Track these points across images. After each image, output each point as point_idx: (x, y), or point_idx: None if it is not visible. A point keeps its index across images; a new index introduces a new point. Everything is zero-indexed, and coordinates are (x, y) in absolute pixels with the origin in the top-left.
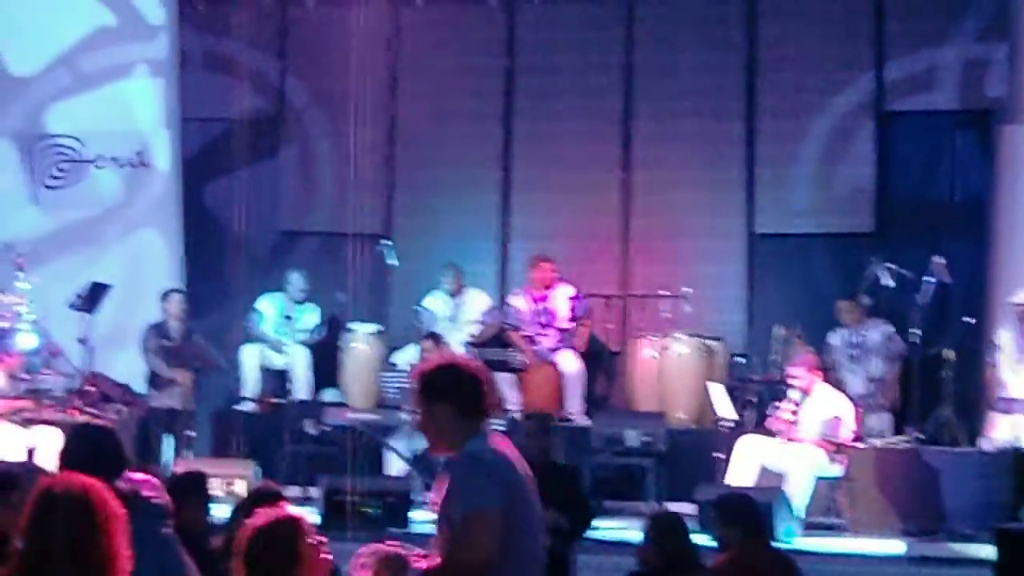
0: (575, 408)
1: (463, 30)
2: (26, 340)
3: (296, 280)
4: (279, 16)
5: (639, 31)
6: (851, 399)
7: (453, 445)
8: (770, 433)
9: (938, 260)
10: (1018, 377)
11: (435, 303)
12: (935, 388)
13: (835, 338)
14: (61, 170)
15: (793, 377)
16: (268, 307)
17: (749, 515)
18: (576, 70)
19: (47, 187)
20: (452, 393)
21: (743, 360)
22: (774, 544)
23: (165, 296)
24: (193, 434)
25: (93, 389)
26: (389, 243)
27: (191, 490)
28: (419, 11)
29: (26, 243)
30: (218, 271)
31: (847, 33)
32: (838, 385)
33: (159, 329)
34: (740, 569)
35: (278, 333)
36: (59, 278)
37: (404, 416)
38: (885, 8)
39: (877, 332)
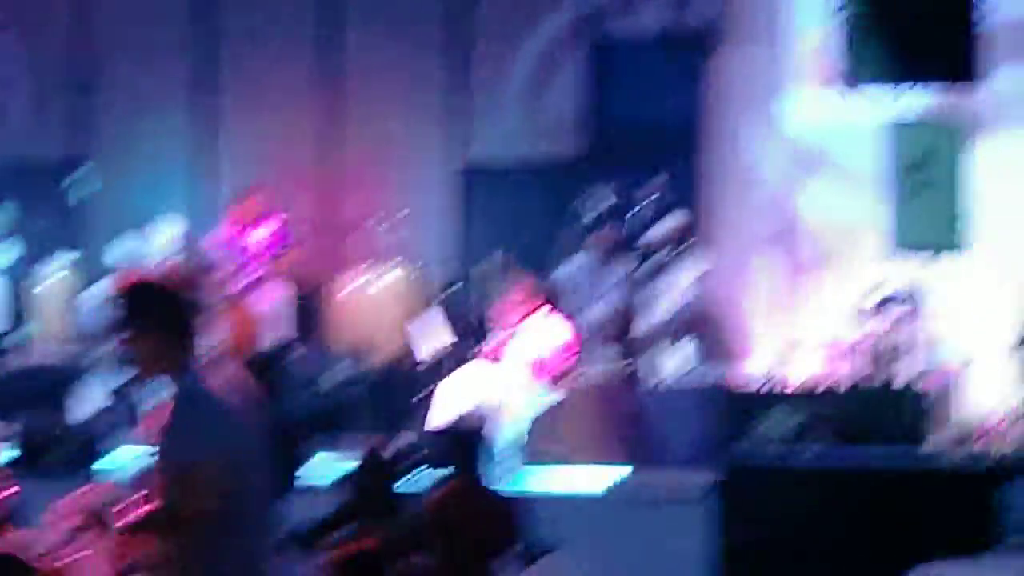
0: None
1: None
2: None
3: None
4: None
5: None
6: (580, 328)
7: (164, 373)
8: (481, 358)
9: (649, 180)
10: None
11: (123, 246)
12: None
13: (573, 266)
14: None
15: (509, 304)
16: None
17: (459, 453)
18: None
19: None
20: (157, 314)
21: (457, 289)
22: (486, 483)
23: None
24: None
25: None
26: (85, 170)
27: None
28: None
29: None
30: None
31: None
32: (568, 313)
33: None
34: (447, 510)
35: None
36: None
37: (102, 350)
38: None
39: (617, 266)
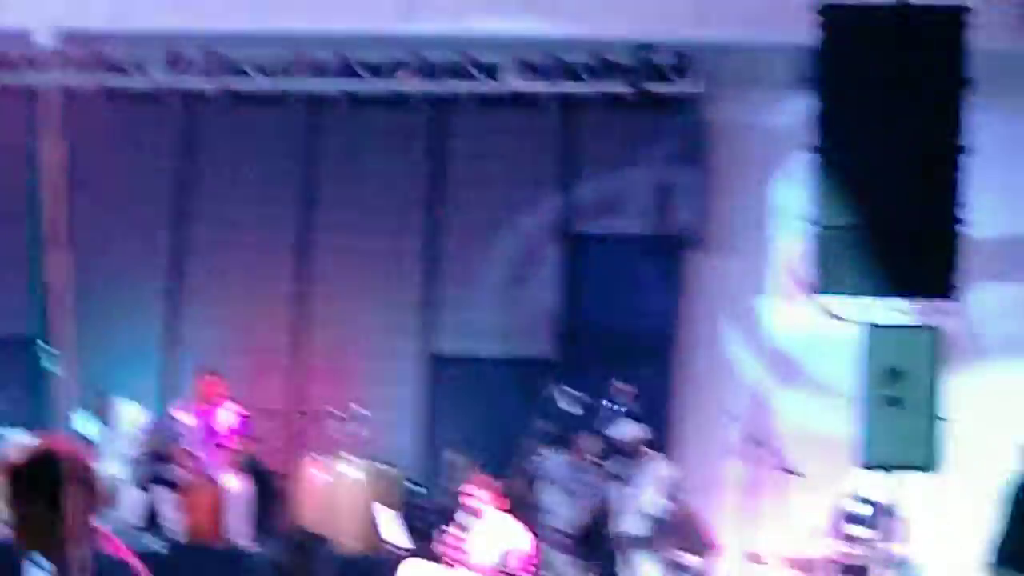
0: (239, 531)
1: (139, 129)
2: None
3: None
4: None
5: (322, 141)
6: (543, 529)
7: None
8: (437, 559)
9: (617, 384)
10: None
11: (84, 424)
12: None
13: (555, 463)
14: None
15: (468, 496)
16: None
17: None
18: (256, 177)
19: None
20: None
21: (417, 487)
22: None
23: None
24: None
25: None
26: (47, 347)
27: None
28: (92, 108)
29: None
30: None
31: (536, 152)
32: (529, 516)
33: None
34: None
35: None
36: None
37: None
38: (576, 128)
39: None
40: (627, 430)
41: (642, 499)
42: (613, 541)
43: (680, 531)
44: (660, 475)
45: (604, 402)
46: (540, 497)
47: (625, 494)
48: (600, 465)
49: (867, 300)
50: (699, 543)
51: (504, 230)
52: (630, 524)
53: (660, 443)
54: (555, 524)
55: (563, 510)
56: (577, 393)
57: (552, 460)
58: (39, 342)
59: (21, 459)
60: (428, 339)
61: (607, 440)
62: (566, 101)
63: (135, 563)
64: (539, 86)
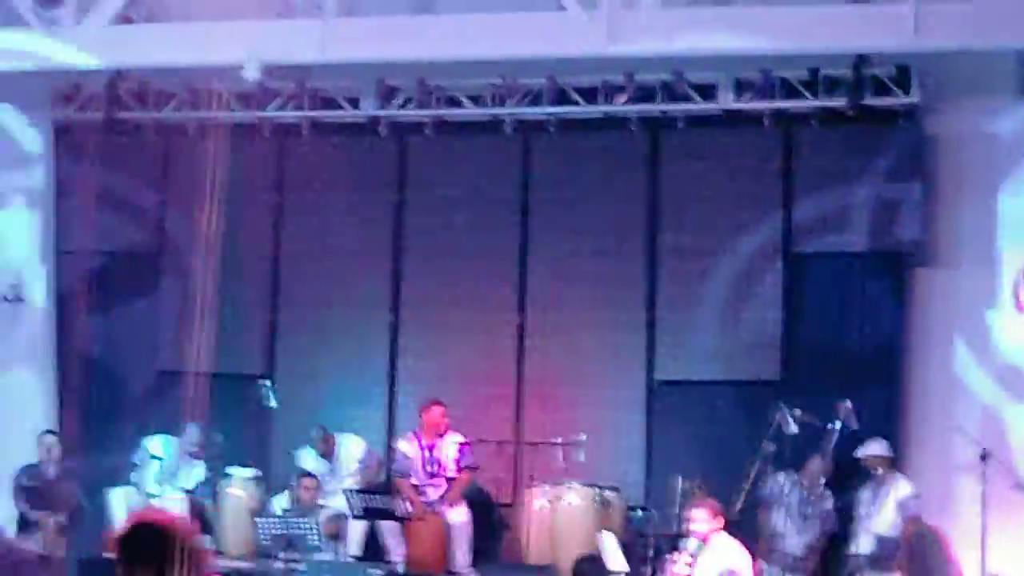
0: (462, 562)
1: (352, 163)
2: None
3: (192, 433)
4: (160, 145)
5: (536, 167)
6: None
7: None
8: None
9: (844, 404)
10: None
11: (307, 461)
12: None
13: (786, 482)
14: None
15: (693, 521)
16: (158, 448)
17: None
18: (470, 207)
19: None
20: (156, 557)
21: (641, 512)
22: None
23: (40, 437)
24: None
25: None
26: (268, 383)
27: None
28: (305, 142)
29: None
30: (95, 412)
31: (755, 171)
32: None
33: (31, 470)
34: None
35: (160, 480)
36: None
37: (280, 564)
38: (794, 145)
39: (826, 499)
40: (871, 448)
41: (880, 518)
42: (847, 564)
43: (919, 552)
44: (900, 494)
45: (831, 423)
46: (767, 521)
47: (863, 514)
48: (829, 487)
49: None
50: (939, 564)
51: (724, 251)
52: (866, 545)
53: (893, 463)
54: (784, 548)
55: (792, 533)
56: (803, 414)
57: (779, 483)
58: (262, 380)
59: (127, 530)
60: (649, 363)
61: (838, 461)
62: (783, 118)
63: None
64: (756, 104)
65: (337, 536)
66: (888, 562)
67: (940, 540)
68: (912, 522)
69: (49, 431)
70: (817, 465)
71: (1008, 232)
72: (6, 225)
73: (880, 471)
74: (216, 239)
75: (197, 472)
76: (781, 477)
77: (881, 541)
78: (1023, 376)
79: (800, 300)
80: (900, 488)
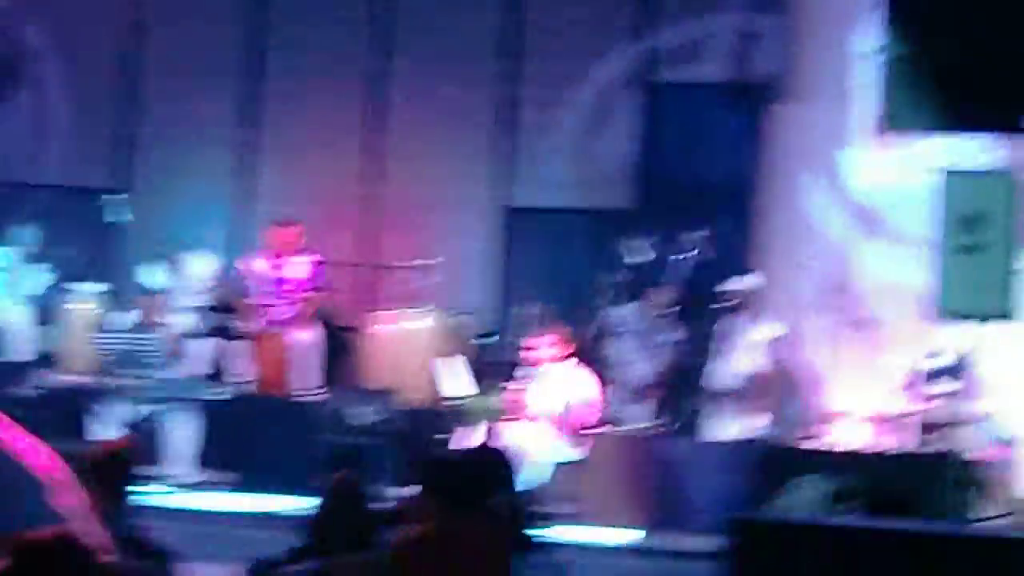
0: (309, 382)
1: None
2: None
3: (28, 236)
4: None
5: None
6: (618, 381)
7: None
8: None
9: (701, 233)
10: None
11: (155, 277)
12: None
13: (635, 314)
14: None
15: (531, 349)
16: None
17: (444, 481)
18: (327, 24)
19: None
20: None
21: (490, 338)
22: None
23: None
24: None
25: None
26: (120, 198)
27: None
28: None
29: None
30: None
31: None
32: (605, 361)
33: None
34: (436, 540)
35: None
36: None
37: (122, 381)
38: None
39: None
40: (738, 282)
41: (742, 355)
42: (700, 396)
43: (779, 391)
44: (769, 334)
45: (685, 253)
46: (614, 349)
47: (721, 349)
48: (680, 318)
49: (945, 137)
50: (795, 403)
51: (581, 79)
52: (724, 379)
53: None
54: (631, 376)
55: (639, 360)
56: (652, 243)
57: (626, 312)
58: (113, 194)
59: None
60: (502, 190)
61: (692, 292)
62: None
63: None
64: None
65: (180, 354)
66: (746, 400)
67: (795, 379)
68: (778, 362)
69: None
70: (664, 294)
71: (864, 66)
72: None
73: (743, 307)
74: (69, 47)
75: (43, 278)
76: (629, 307)
77: (740, 378)
78: (872, 214)
79: (656, 130)
80: (769, 328)
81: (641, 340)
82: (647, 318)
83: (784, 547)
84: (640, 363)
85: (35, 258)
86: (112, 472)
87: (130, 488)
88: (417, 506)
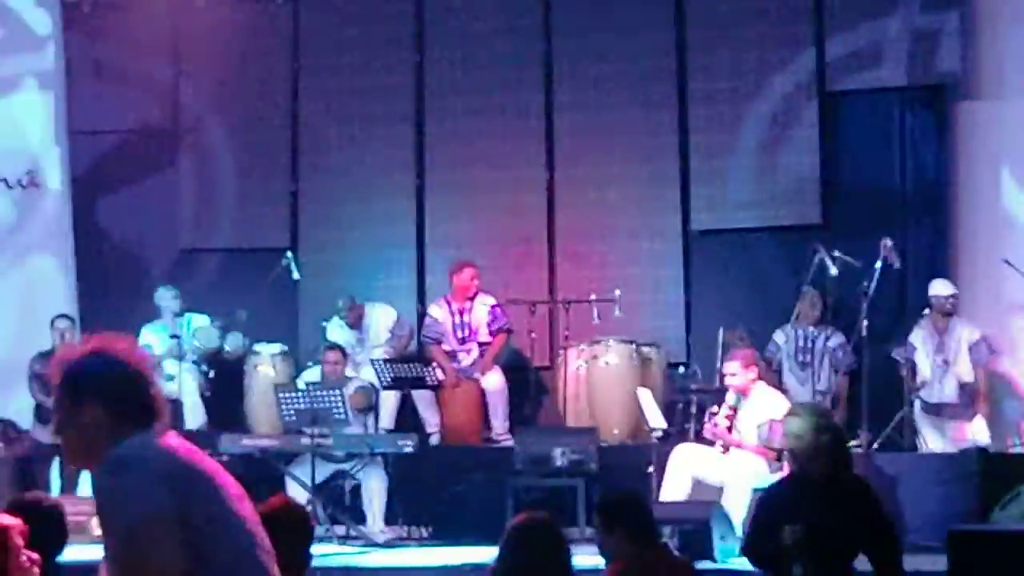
0: (499, 427)
1: (368, 22)
2: None
3: (164, 295)
4: (170, 18)
5: (557, 15)
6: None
7: (98, 455)
8: (706, 442)
9: (884, 242)
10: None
11: (336, 333)
12: (890, 389)
13: (781, 336)
14: None
15: (728, 375)
16: (152, 338)
17: (632, 517)
18: (491, 62)
19: None
20: (107, 392)
21: (683, 368)
22: (675, 552)
23: (52, 322)
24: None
25: None
26: (291, 256)
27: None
28: (318, 6)
29: None
30: (116, 295)
31: (783, 8)
32: (779, 388)
33: (45, 357)
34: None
35: (170, 359)
36: None
37: (306, 440)
38: None
39: (828, 338)
40: (938, 287)
41: (959, 363)
42: (900, 407)
43: (985, 394)
44: (971, 337)
45: (873, 264)
46: (803, 373)
47: (936, 360)
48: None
49: None
50: (1006, 406)
51: (755, 94)
52: (928, 389)
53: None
54: (821, 390)
55: (795, 385)
56: (845, 257)
57: (775, 340)
58: (285, 252)
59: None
60: (685, 214)
61: (879, 303)
62: None
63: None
64: None
65: (367, 409)
66: (957, 409)
67: (1007, 383)
68: (988, 367)
69: (63, 315)
70: (808, 304)
71: None
72: (18, 109)
73: (947, 313)
74: (232, 111)
75: (201, 324)
76: (777, 334)
77: (949, 386)
78: None
79: (837, 140)
80: (975, 332)
81: (793, 362)
82: (795, 337)
83: (1007, 560)
84: (798, 386)
85: (213, 322)
86: (292, 531)
87: (310, 548)
88: (610, 544)
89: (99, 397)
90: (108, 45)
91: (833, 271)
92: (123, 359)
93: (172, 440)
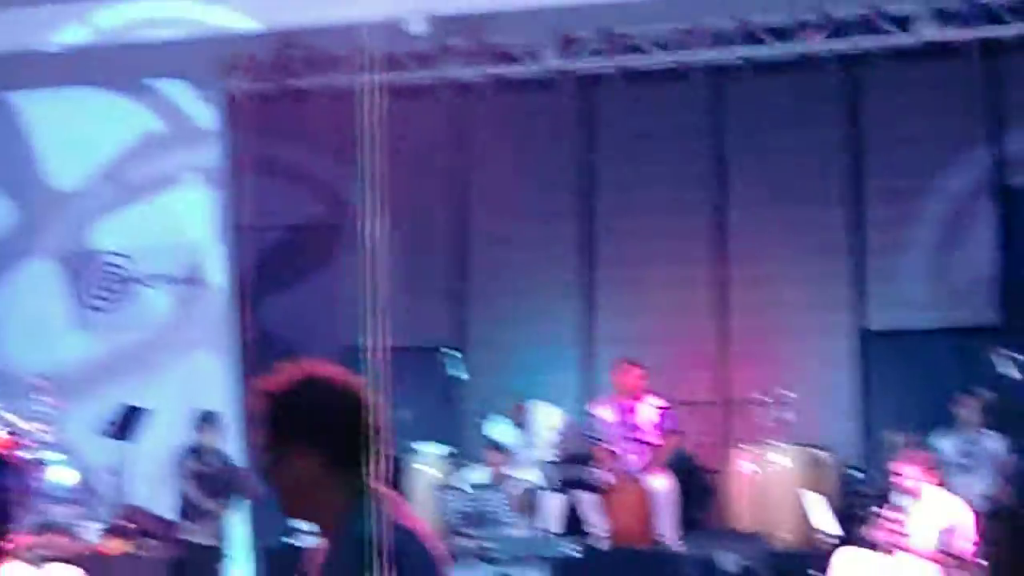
0: (667, 531)
1: (535, 120)
2: (61, 474)
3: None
4: (334, 112)
5: (730, 112)
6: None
7: (322, 509)
8: (873, 546)
9: None
10: None
11: (499, 432)
12: None
13: (945, 443)
14: (109, 290)
15: (899, 476)
16: None
17: None
18: (662, 159)
19: (94, 309)
20: (320, 431)
21: (853, 471)
22: None
23: (203, 419)
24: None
25: (131, 524)
26: (455, 354)
27: None
28: (487, 101)
29: (73, 370)
30: None
31: (959, 104)
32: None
33: (195, 454)
34: None
35: None
36: (109, 406)
37: (469, 543)
38: (1000, 75)
39: (992, 443)
40: None
41: None
42: None
43: None
44: None
45: None
46: (967, 477)
47: None
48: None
49: None
50: None
51: (931, 191)
52: None
53: None
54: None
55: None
56: (1020, 356)
57: (986, 439)
58: (448, 350)
59: (278, 386)
60: (860, 314)
61: None
62: (987, 46)
63: (433, 541)
64: (957, 33)
65: (531, 510)
66: None
67: None
68: None
69: (212, 411)
70: (968, 406)
71: None
72: (181, 204)
73: None
74: (398, 206)
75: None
76: (940, 438)
77: None
78: None
79: (1016, 237)
80: None
81: (952, 463)
82: (955, 437)
83: None
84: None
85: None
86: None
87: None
88: None
89: (310, 438)
90: (272, 139)
91: (1017, 375)
92: (337, 390)
93: (408, 516)
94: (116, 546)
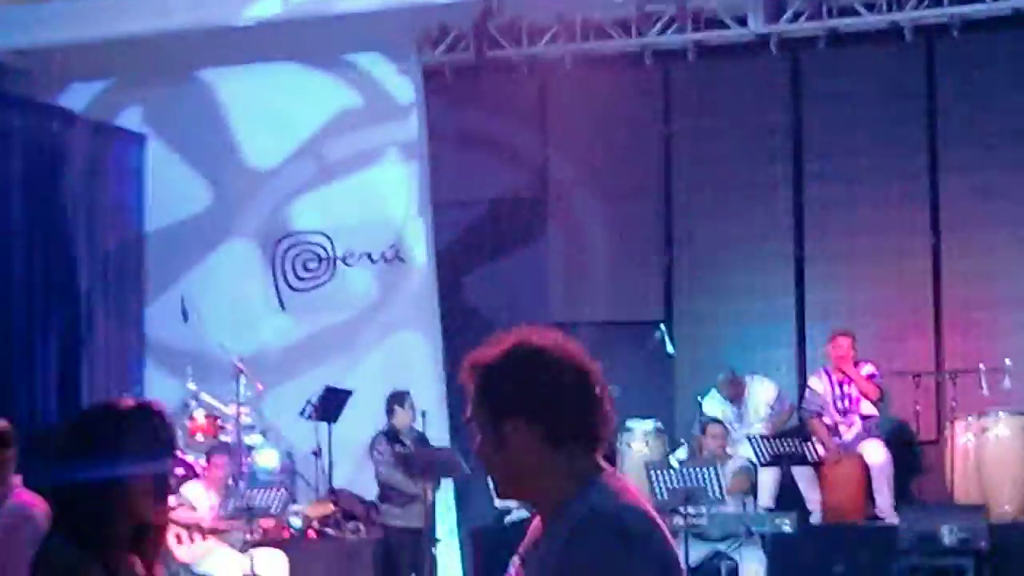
0: (883, 504)
1: (741, 85)
2: (266, 458)
3: None
4: (536, 83)
5: (941, 73)
6: None
7: (543, 492)
8: None
9: None
10: None
11: (714, 408)
12: None
13: None
14: (309, 270)
15: None
16: None
17: None
18: (872, 122)
19: (294, 289)
20: (538, 404)
21: None
22: None
23: (395, 399)
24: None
25: (335, 507)
26: (664, 329)
27: None
28: (690, 67)
29: (274, 352)
30: None
31: None
32: None
33: (390, 436)
34: None
35: None
36: (311, 388)
37: (679, 520)
38: None
39: None
40: None
41: None
42: None
43: None
44: None
45: None
46: None
47: None
48: None
49: None
50: None
51: None
52: None
53: None
54: None
55: None
56: None
57: None
58: (658, 325)
59: (493, 357)
60: None
61: None
62: None
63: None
64: None
65: (747, 489)
66: None
67: None
68: None
69: (405, 392)
70: None
71: None
72: (380, 181)
73: None
74: (603, 178)
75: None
76: None
77: None
78: None
79: None
80: None
81: None
82: None
83: None
84: None
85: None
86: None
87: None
88: None
89: (525, 412)
90: (472, 112)
91: None
92: (555, 359)
93: (633, 493)
94: (320, 529)
